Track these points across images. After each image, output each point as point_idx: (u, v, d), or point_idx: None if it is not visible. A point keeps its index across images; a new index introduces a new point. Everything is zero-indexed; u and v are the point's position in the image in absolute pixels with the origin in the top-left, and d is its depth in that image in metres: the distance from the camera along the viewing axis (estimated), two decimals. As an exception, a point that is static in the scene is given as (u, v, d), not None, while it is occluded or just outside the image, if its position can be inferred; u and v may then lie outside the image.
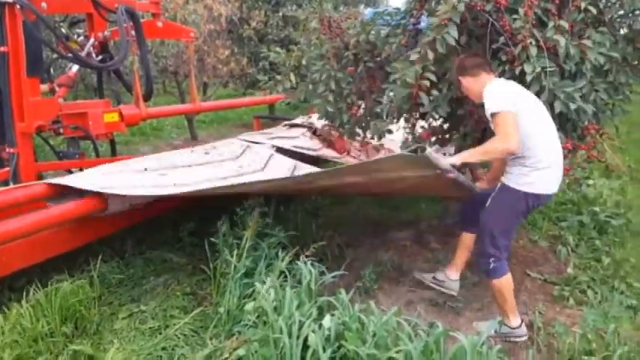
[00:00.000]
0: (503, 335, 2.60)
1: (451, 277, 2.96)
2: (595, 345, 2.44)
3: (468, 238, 2.95)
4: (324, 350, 1.80)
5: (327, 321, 1.88)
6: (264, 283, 2.18)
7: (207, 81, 8.11)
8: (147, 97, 4.47)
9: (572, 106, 2.60)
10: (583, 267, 3.35)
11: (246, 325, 2.18)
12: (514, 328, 2.60)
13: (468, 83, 2.64)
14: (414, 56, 2.75)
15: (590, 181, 4.84)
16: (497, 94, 2.46)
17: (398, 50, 3.42)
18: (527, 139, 2.41)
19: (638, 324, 2.75)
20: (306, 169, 3.90)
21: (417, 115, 3.40)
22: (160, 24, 4.75)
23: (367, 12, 4.22)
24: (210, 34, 7.16)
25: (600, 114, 3.32)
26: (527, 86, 2.61)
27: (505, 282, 2.57)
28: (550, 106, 2.64)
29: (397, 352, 1.73)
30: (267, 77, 4.02)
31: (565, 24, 2.66)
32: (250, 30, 7.34)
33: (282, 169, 4.16)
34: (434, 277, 3.01)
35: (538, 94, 2.61)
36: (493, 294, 2.66)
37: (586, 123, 3.19)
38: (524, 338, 2.59)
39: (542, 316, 2.77)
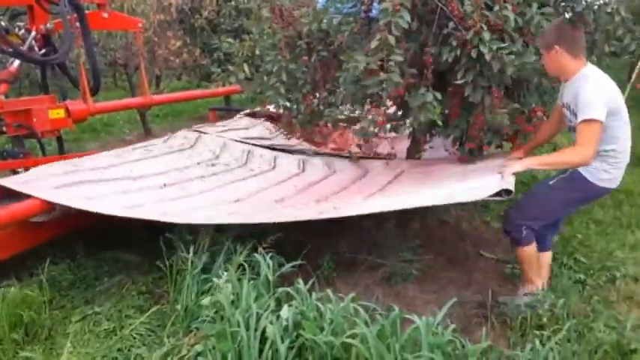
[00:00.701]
0: (530, 306, 2.62)
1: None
2: (545, 319, 2.53)
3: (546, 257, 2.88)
4: (282, 341, 1.80)
5: (284, 312, 1.87)
6: (220, 277, 2.15)
7: (159, 73, 7.92)
8: (94, 92, 4.32)
9: (535, 79, 2.68)
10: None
11: (204, 320, 2.15)
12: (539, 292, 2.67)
13: (550, 58, 2.51)
14: (374, 44, 2.74)
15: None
16: (595, 94, 2.32)
17: (351, 38, 3.42)
18: (614, 140, 2.42)
19: (585, 297, 2.87)
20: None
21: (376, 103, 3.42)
22: (105, 15, 4.60)
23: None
24: (160, 25, 6.95)
25: (546, 96, 3.44)
26: (488, 65, 2.65)
27: (534, 248, 2.67)
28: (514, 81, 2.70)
29: (353, 337, 1.74)
30: (220, 68, 3.94)
31: (509, 7, 2.72)
32: (202, 20, 7.18)
33: (292, 165, 4.19)
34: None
35: (500, 71, 2.66)
36: (522, 263, 2.73)
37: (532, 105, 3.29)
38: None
39: (494, 294, 2.86)
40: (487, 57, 2.62)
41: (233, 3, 7.12)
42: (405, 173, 3.67)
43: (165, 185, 3.35)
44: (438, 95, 2.91)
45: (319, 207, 2.97)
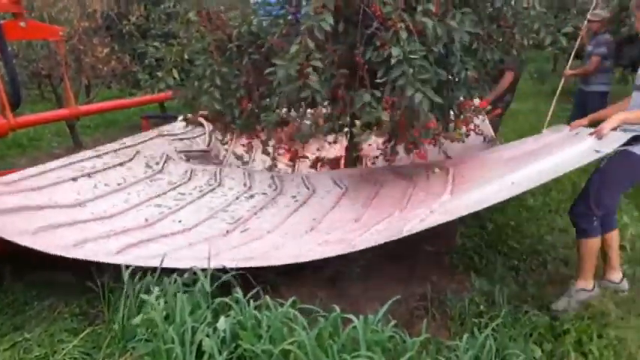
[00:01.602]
0: (581, 302, 2.66)
1: (615, 280, 2.89)
2: (483, 307, 2.62)
3: (609, 238, 2.84)
4: (220, 353, 1.75)
5: (221, 323, 1.82)
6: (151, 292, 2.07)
7: (87, 82, 7.58)
8: (15, 106, 4.07)
9: (418, 97, 2.69)
10: (470, 235, 3.58)
11: (141, 339, 2.06)
12: (590, 290, 2.72)
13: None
14: (293, 48, 2.74)
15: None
16: None
17: (280, 40, 3.39)
18: None
19: (520, 282, 2.98)
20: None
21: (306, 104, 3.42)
22: (23, 24, 4.34)
23: (255, 1, 4.16)
24: (85, 32, 6.67)
25: (472, 90, 3.56)
26: (391, 69, 2.69)
27: (597, 242, 2.69)
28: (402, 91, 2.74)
29: (291, 343, 1.72)
30: (149, 74, 3.81)
31: (431, 7, 2.78)
32: (131, 25, 6.94)
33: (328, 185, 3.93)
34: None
35: (396, 80, 2.71)
36: (583, 254, 2.73)
37: (462, 99, 3.40)
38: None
39: (435, 286, 2.92)
40: (393, 60, 2.66)
41: (162, 7, 6.93)
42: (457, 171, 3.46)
43: (228, 232, 3.06)
44: (378, 93, 2.94)
45: (415, 216, 2.71)
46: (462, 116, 3.37)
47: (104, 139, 6.49)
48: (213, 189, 3.76)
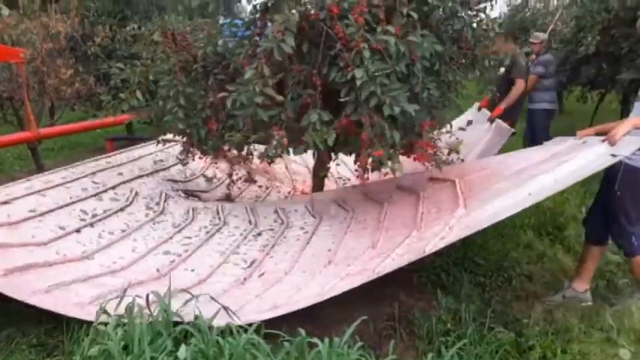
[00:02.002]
0: None
1: (580, 290, 3.00)
2: (450, 325, 2.62)
3: (596, 251, 3.01)
4: (181, 383, 1.69)
5: (182, 352, 1.77)
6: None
7: (52, 104, 7.41)
8: None
9: (397, 109, 2.74)
10: (438, 253, 3.59)
11: (98, 371, 1.98)
12: None
13: None
14: (249, 73, 2.74)
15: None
16: None
17: (248, 61, 3.40)
18: None
19: (486, 299, 3.00)
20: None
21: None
22: None
23: (223, 22, 4.16)
24: (49, 54, 6.55)
25: (435, 110, 3.61)
26: (359, 91, 2.72)
27: None
28: (378, 109, 2.76)
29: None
30: (111, 96, 3.74)
31: (392, 28, 2.83)
32: (96, 47, 6.84)
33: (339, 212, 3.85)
34: (564, 297, 3.02)
35: (368, 99, 2.74)
36: (636, 271, 2.86)
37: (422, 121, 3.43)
38: None
39: (403, 305, 2.91)
40: (358, 82, 2.70)
41: (128, 28, 6.87)
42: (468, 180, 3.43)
43: (245, 280, 2.91)
44: (325, 116, 2.95)
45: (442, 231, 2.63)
46: (422, 137, 3.40)
47: (67, 162, 6.34)
48: (219, 228, 3.66)
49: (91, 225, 3.29)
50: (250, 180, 4.56)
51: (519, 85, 4.97)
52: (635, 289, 3.00)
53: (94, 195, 3.69)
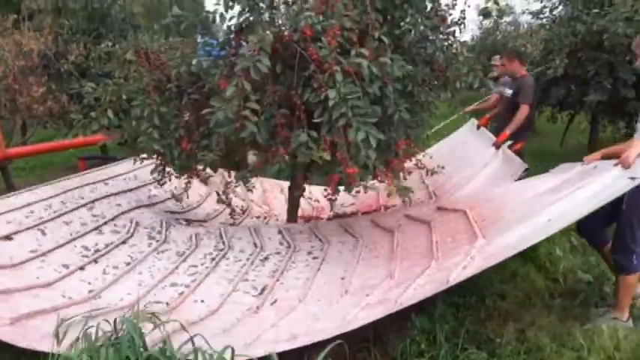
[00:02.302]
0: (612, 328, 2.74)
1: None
2: (424, 346, 2.61)
3: (605, 251, 3.09)
4: (146, 412, 1.63)
5: (147, 378, 1.71)
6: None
7: (24, 122, 7.28)
8: None
9: (361, 135, 2.76)
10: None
11: (61, 400, 1.91)
12: (626, 321, 2.86)
13: None
14: (230, 90, 2.74)
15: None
16: None
17: (224, 80, 3.40)
18: None
19: (460, 319, 3.01)
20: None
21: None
22: None
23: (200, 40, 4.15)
24: (21, 71, 6.46)
25: (409, 130, 3.66)
26: (331, 111, 2.74)
27: (637, 277, 2.82)
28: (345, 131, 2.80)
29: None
30: (83, 114, 3.69)
31: (365, 51, 2.87)
32: (69, 65, 6.78)
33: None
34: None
35: (337, 120, 2.76)
36: (621, 288, 2.90)
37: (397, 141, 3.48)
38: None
39: (378, 327, 2.88)
40: (330, 102, 2.73)
41: (103, 46, 6.83)
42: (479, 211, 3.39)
43: (258, 308, 2.81)
44: (314, 134, 2.97)
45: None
46: (399, 156, 3.45)
47: (38, 181, 6.20)
48: (225, 254, 3.56)
49: (95, 261, 3.19)
50: (222, 201, 4.47)
51: (523, 110, 4.90)
52: (608, 309, 3.04)
53: (95, 229, 3.59)
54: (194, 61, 3.77)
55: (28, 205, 3.62)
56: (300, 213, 4.74)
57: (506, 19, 15.15)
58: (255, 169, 3.49)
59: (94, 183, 4.41)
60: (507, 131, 4.82)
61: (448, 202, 3.59)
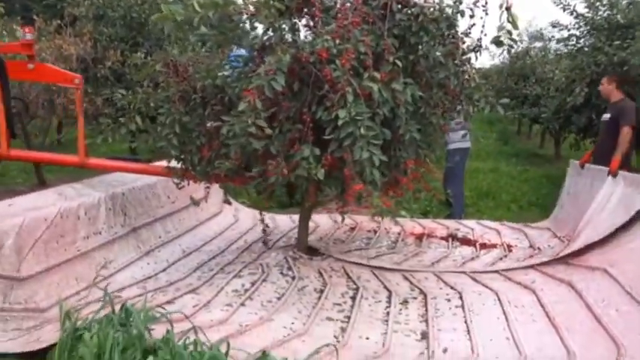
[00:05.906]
0: None
1: None
2: None
3: None
4: (145, 392, 1.80)
5: (149, 362, 1.88)
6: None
7: (60, 122, 7.67)
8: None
9: (365, 155, 2.90)
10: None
11: (72, 377, 2.09)
12: None
13: None
14: (242, 106, 2.93)
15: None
16: None
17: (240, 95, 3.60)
18: None
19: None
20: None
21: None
22: (31, 66, 4.41)
23: (232, 53, 4.38)
24: (60, 74, 6.82)
25: (420, 150, 3.80)
26: (340, 129, 2.89)
27: None
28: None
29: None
30: (112, 119, 3.94)
31: (377, 75, 3.04)
32: (106, 70, 7.13)
33: None
34: None
35: (345, 139, 2.93)
36: None
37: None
38: None
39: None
40: (340, 122, 2.89)
41: (138, 54, 7.16)
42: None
43: (446, 350, 2.85)
44: (317, 151, 3.13)
45: None
46: (406, 173, 3.58)
47: (69, 179, 6.51)
48: (362, 295, 3.61)
49: (250, 298, 3.38)
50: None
51: (625, 132, 4.86)
52: None
53: (235, 276, 3.83)
54: (219, 74, 3.99)
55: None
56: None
57: (537, 44, 15.09)
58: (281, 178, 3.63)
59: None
60: (618, 156, 4.69)
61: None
